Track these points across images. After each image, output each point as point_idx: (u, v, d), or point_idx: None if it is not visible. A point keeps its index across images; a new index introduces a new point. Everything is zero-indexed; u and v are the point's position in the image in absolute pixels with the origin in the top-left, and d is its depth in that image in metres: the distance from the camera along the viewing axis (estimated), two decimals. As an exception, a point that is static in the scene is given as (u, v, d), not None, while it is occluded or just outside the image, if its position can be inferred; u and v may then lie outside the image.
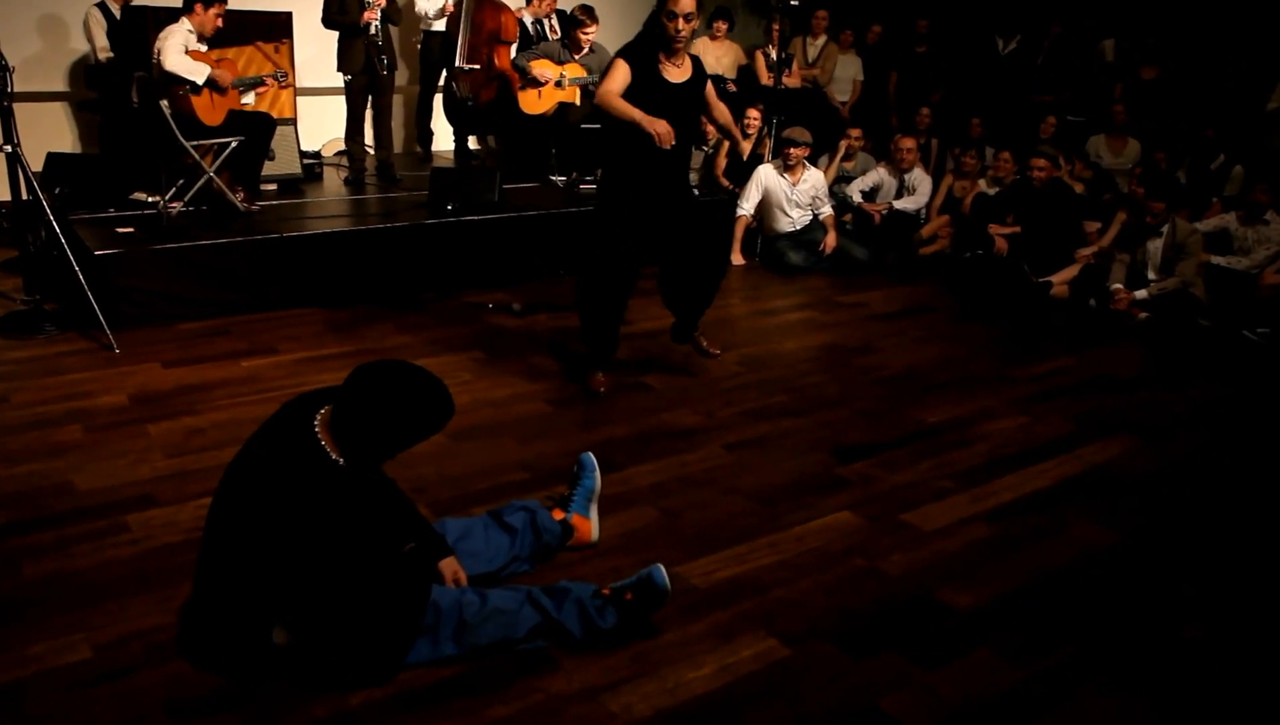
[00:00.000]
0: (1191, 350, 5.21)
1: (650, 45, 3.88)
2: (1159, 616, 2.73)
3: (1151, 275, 5.72)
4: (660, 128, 3.65)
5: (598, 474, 2.97)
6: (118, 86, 6.31)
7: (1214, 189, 7.09)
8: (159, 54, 5.24)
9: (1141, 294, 5.65)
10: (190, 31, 5.33)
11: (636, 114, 3.70)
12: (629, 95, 3.78)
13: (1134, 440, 3.93)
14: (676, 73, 3.92)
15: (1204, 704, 2.38)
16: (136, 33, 6.19)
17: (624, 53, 3.88)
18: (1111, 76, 8.31)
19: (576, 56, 6.68)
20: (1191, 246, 5.63)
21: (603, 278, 4.04)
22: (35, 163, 5.01)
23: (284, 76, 6.02)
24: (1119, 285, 5.72)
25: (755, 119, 7.16)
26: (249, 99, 5.80)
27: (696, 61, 4.04)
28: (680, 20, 3.75)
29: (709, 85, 4.07)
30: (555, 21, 7.18)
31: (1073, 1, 9.03)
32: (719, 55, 8.10)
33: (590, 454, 3.02)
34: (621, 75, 3.79)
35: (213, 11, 5.34)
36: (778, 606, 2.67)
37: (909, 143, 7.03)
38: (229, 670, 2.25)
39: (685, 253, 4.16)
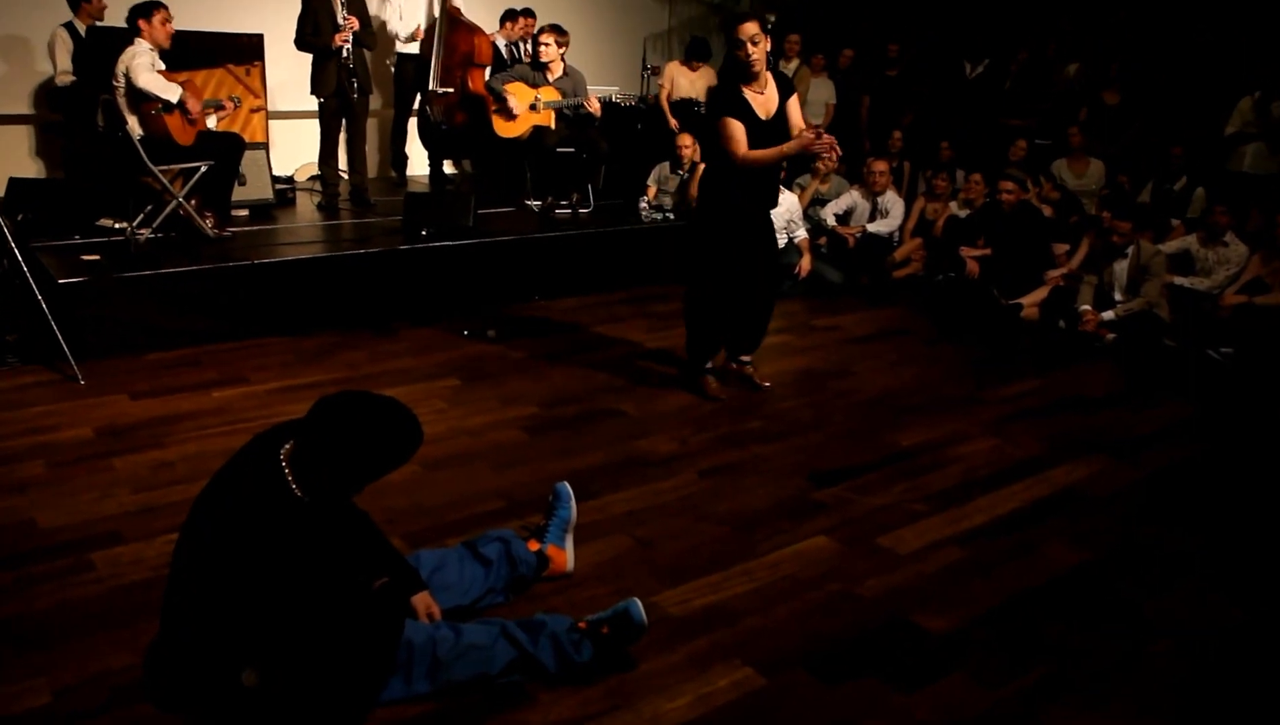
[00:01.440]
0: (1158, 370, 5.30)
1: (734, 80, 4.09)
2: (1129, 634, 2.76)
3: (1118, 296, 5.81)
4: (810, 145, 3.90)
5: (573, 504, 2.96)
6: (83, 109, 6.25)
7: (1176, 211, 7.22)
8: (128, 73, 5.18)
9: (1109, 315, 5.74)
10: (151, 49, 5.28)
11: (784, 149, 3.99)
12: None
13: (1103, 459, 3.98)
14: (762, 101, 4.09)
15: (1175, 720, 2.40)
16: (102, 54, 6.11)
17: (723, 106, 4.05)
18: (1076, 100, 8.47)
19: (551, 79, 6.70)
20: (1155, 268, 5.74)
21: (715, 295, 4.34)
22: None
23: (239, 101, 5.97)
24: (1087, 307, 5.81)
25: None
26: (210, 121, 5.76)
27: (779, 79, 4.19)
28: (749, 45, 3.95)
29: (792, 101, 4.20)
30: (530, 46, 7.20)
31: (1038, 27, 9.23)
32: (693, 80, 8.16)
33: (565, 484, 3.01)
34: (738, 128, 3.99)
35: (157, 19, 5.27)
36: (753, 635, 2.67)
37: (881, 166, 7.10)
38: (196, 712, 2.21)
39: (763, 277, 4.41)
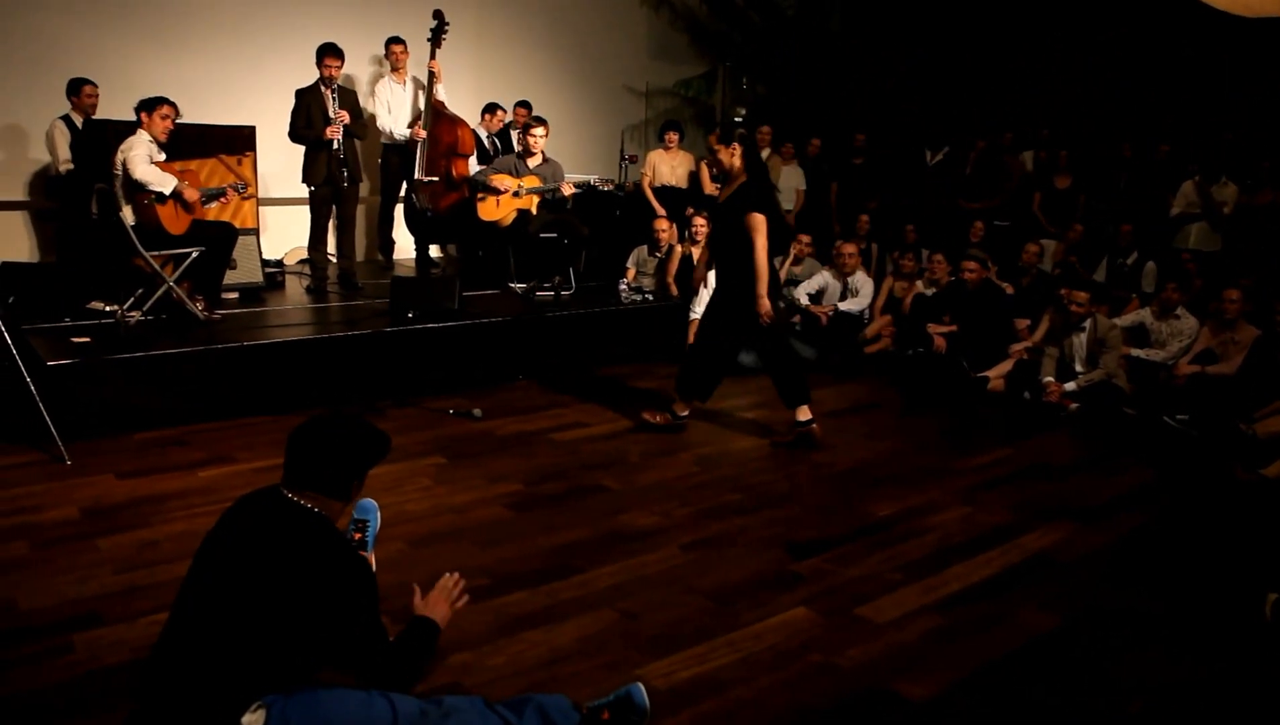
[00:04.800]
0: (1119, 437, 5.37)
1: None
2: (1104, 695, 2.73)
3: (1079, 368, 5.91)
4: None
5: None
6: (77, 197, 6.28)
7: (1129, 285, 7.40)
8: (126, 164, 5.23)
9: (1071, 386, 5.82)
10: (150, 141, 5.34)
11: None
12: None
13: (1071, 524, 3.99)
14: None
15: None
16: (97, 145, 6.19)
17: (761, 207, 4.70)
18: (1030, 185, 8.74)
19: (531, 167, 6.82)
20: (1112, 340, 5.86)
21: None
22: (-11, 272, 4.92)
23: (244, 188, 6.06)
24: (1050, 378, 5.89)
25: (701, 226, 7.31)
26: (210, 205, 5.80)
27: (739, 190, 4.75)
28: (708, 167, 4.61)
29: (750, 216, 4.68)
30: (520, 132, 7.29)
31: (993, 118, 9.56)
32: (674, 165, 8.33)
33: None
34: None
35: (158, 115, 5.35)
36: (737, 706, 2.61)
37: (850, 248, 7.24)
38: None
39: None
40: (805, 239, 7.65)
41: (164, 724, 2.13)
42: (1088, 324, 5.88)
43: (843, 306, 7.15)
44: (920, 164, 9.27)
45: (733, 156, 4.71)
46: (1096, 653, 2.96)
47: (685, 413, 5.09)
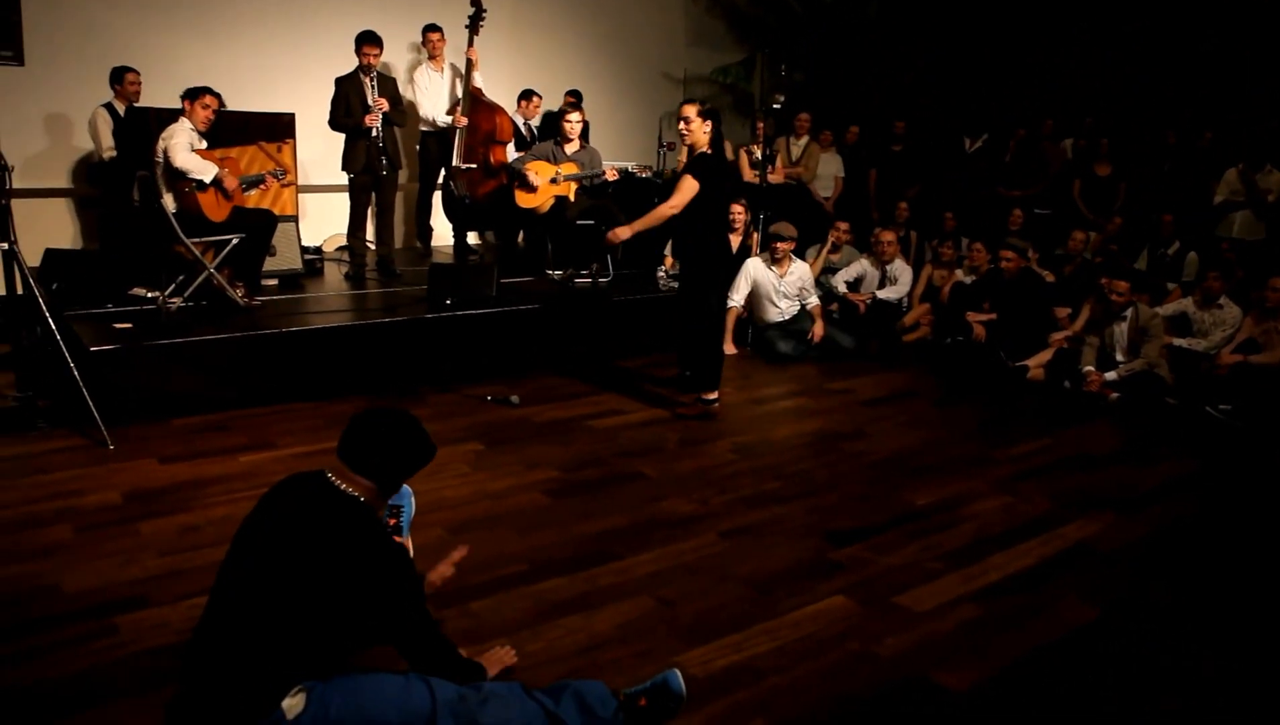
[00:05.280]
0: (1160, 428, 5.25)
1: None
2: (1143, 690, 2.66)
3: (1119, 357, 5.79)
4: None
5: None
6: (119, 184, 6.34)
7: (1171, 275, 7.24)
8: (167, 151, 5.27)
9: (1111, 375, 5.71)
10: (191, 130, 5.38)
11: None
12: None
13: (1111, 515, 3.91)
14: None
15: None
16: (139, 132, 6.24)
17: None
18: (1071, 173, 8.57)
19: (569, 154, 6.79)
20: (1154, 330, 5.74)
21: (717, 321, 5.18)
22: (33, 258, 4.97)
23: (283, 174, 6.08)
24: (1090, 367, 5.78)
25: (740, 213, 7.25)
26: (250, 192, 5.84)
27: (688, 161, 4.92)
28: (680, 123, 4.86)
29: (682, 177, 4.86)
30: (574, 116, 7.20)
31: (1033, 105, 9.39)
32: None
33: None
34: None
35: (200, 104, 5.38)
36: (774, 694, 2.58)
37: (889, 236, 7.14)
38: None
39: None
40: (843, 226, 7.56)
41: (207, 706, 2.14)
42: (1129, 313, 5.77)
43: (881, 294, 7.06)
44: (959, 151, 9.13)
45: (704, 128, 4.83)
46: (1136, 646, 2.90)
47: (712, 397, 5.09)
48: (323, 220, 7.88)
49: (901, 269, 7.14)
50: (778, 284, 6.57)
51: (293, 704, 2.10)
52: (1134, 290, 5.82)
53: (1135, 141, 8.69)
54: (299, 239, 6.78)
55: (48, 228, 6.92)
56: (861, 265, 7.20)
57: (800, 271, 6.66)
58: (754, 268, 6.60)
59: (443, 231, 8.10)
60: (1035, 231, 7.72)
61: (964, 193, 8.66)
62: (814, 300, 6.67)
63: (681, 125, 4.80)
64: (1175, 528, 3.83)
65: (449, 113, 7.37)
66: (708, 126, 4.81)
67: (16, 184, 4.31)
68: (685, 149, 5.08)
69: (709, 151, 4.85)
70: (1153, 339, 5.71)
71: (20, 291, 4.37)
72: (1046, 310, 6.58)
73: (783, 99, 7.59)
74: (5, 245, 4.25)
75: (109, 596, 2.97)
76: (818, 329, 6.53)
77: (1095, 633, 2.97)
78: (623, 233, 4.98)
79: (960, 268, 7.15)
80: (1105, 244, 7.63)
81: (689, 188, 4.74)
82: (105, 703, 2.43)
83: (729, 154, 8.46)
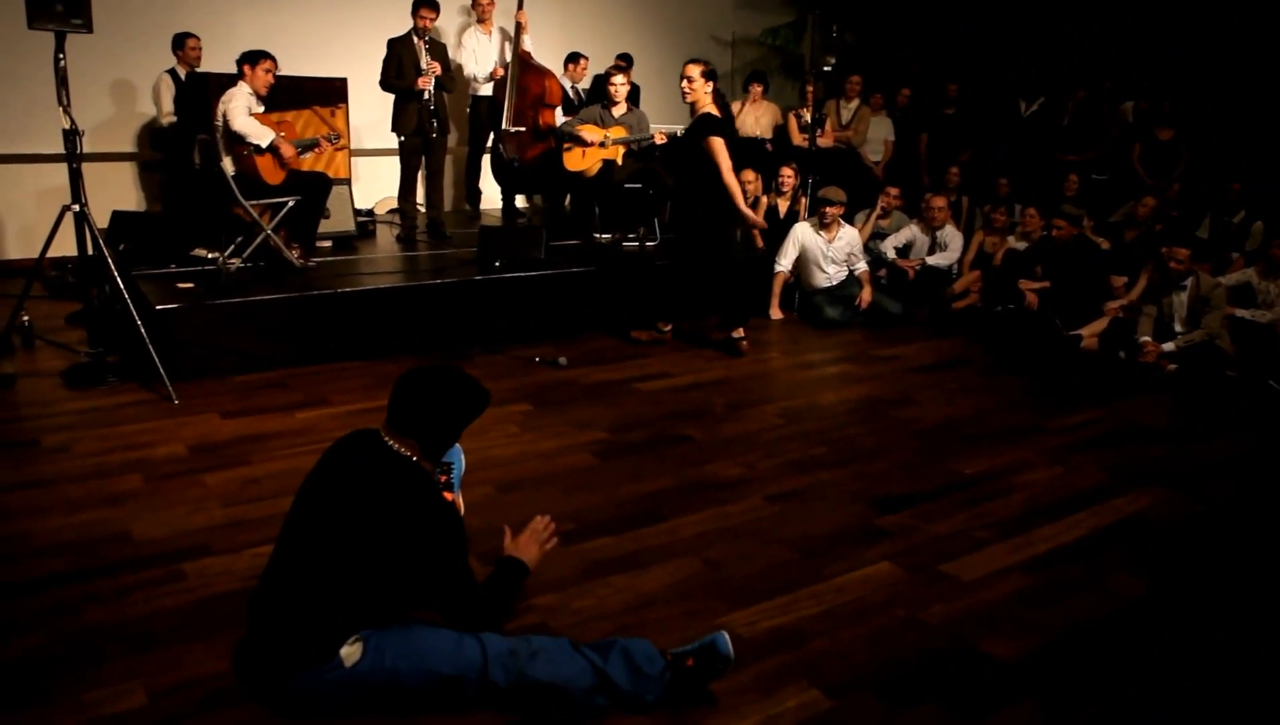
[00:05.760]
0: (1219, 401, 5.11)
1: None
2: (1191, 670, 2.62)
3: (1178, 328, 5.64)
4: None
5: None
6: (181, 148, 6.46)
7: (1235, 245, 7.01)
8: (226, 115, 5.35)
9: (1169, 346, 5.56)
10: (250, 94, 5.44)
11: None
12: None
13: (1165, 490, 3.82)
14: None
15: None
16: (199, 97, 6.35)
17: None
18: (1131, 137, 8.31)
19: (617, 117, 6.76)
20: (1215, 300, 5.56)
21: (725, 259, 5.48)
22: (101, 220, 5.11)
23: (337, 139, 6.14)
24: (1147, 338, 5.64)
25: (789, 177, 7.18)
26: (305, 156, 5.91)
27: (697, 120, 5.14)
28: (683, 82, 5.08)
29: (710, 140, 5.07)
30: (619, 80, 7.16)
31: (1092, 66, 9.09)
32: (757, 116, 8.18)
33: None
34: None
35: (261, 68, 5.44)
36: (820, 657, 2.59)
37: (940, 201, 7.02)
38: (292, 698, 2.20)
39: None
40: (893, 191, 7.44)
41: (270, 651, 2.22)
42: (1189, 282, 5.60)
43: (930, 261, 6.95)
44: (1014, 115, 8.89)
45: (706, 89, 5.02)
46: (1186, 624, 2.84)
47: (740, 335, 5.50)
48: (374, 183, 7.95)
49: (952, 235, 7.02)
50: (826, 249, 6.50)
51: (350, 652, 2.17)
52: (1195, 259, 5.64)
53: (1201, 105, 8.38)
54: (352, 202, 6.86)
55: (115, 191, 7.10)
56: (911, 231, 7.10)
57: (849, 237, 6.59)
58: (802, 232, 6.54)
59: (491, 194, 8.13)
60: (1092, 197, 7.52)
61: (1018, 157, 8.45)
62: (862, 266, 6.60)
63: (685, 84, 5.05)
64: (1232, 505, 3.74)
65: (489, 77, 7.36)
66: (709, 87, 4.99)
67: (85, 149, 4.42)
68: (689, 107, 5.23)
69: (716, 112, 5.06)
70: (1214, 309, 5.53)
71: (90, 252, 4.49)
72: (1102, 278, 6.43)
73: (833, 61, 7.47)
74: (76, 207, 4.37)
75: (177, 544, 3.08)
76: (865, 295, 6.47)
77: (1145, 609, 2.92)
78: (750, 215, 5.38)
79: (1012, 234, 7.01)
80: (1165, 210, 7.41)
81: (724, 146, 5.01)
82: (175, 644, 2.53)
83: (778, 117, 8.38)
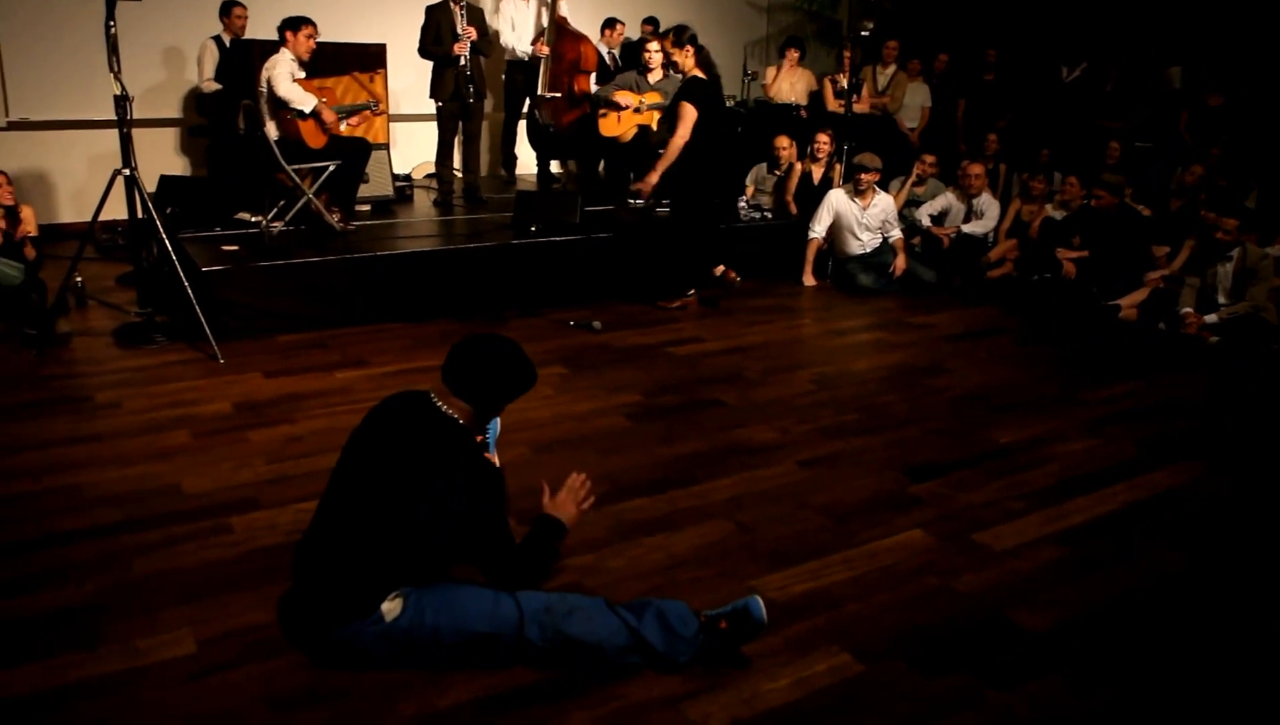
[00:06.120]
0: (1264, 375, 4.95)
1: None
2: (1231, 643, 2.57)
3: (1222, 299, 5.47)
4: None
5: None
6: (225, 113, 6.49)
7: (1287, 216, 6.78)
8: (270, 81, 5.36)
9: (1212, 318, 5.40)
10: (293, 60, 5.44)
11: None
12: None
13: (1204, 464, 3.73)
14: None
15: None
16: (243, 63, 6.36)
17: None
18: (1178, 103, 8.04)
19: (652, 83, 6.68)
20: (1262, 271, 5.38)
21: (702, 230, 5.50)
22: (149, 184, 5.17)
23: (378, 105, 6.13)
24: (1189, 309, 5.49)
25: (825, 143, 7.06)
26: (344, 127, 5.91)
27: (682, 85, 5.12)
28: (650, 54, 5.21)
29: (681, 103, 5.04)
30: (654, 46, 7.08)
31: (1137, 30, 8.79)
32: (792, 82, 8.04)
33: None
34: None
35: (303, 34, 5.43)
36: (851, 622, 2.58)
37: (977, 169, 6.87)
38: (333, 649, 2.24)
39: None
40: (930, 159, 7.29)
41: (314, 603, 2.26)
42: (1235, 253, 5.40)
43: (966, 229, 6.82)
44: (1056, 80, 8.65)
45: (686, 57, 4.93)
46: (1223, 600, 2.78)
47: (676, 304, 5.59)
48: (412, 149, 7.95)
49: (988, 203, 6.88)
50: (860, 216, 6.41)
51: (391, 607, 2.19)
52: (1242, 229, 5.44)
53: (1251, 70, 8.06)
54: (390, 166, 6.86)
55: (162, 156, 7.17)
56: (947, 198, 6.96)
57: (884, 204, 6.48)
58: (836, 199, 6.44)
59: (527, 160, 8.09)
60: (1134, 165, 7.32)
61: (1059, 125, 8.23)
62: (897, 233, 6.50)
63: (655, 55, 5.10)
64: (1272, 482, 3.63)
65: (533, 43, 7.29)
66: (690, 52, 4.90)
67: (134, 115, 4.46)
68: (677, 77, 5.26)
69: (701, 75, 4.94)
70: (1260, 281, 5.33)
71: (140, 215, 4.55)
72: (1143, 248, 6.25)
73: (871, 26, 7.29)
74: (127, 171, 4.41)
75: (223, 498, 3.13)
76: (899, 262, 6.37)
77: (1184, 583, 2.86)
78: (651, 180, 5.17)
79: (1050, 203, 6.85)
80: (1212, 179, 7.17)
81: (690, 115, 4.90)
82: (223, 594, 2.58)
83: (813, 84, 8.23)
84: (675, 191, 5.40)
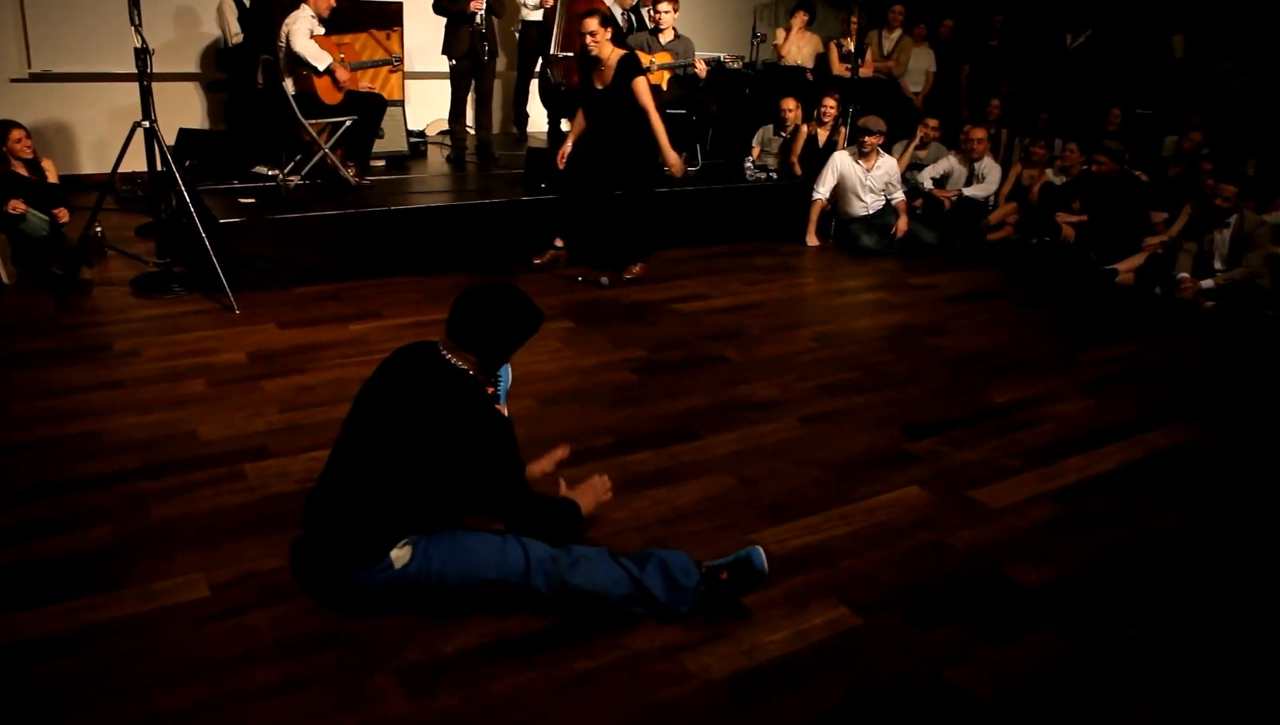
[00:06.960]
0: (1257, 340, 4.86)
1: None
2: (1225, 600, 2.53)
3: (1218, 265, 5.36)
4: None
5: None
6: (244, 69, 6.34)
7: (1281, 182, 6.61)
8: (288, 37, 5.22)
9: (1208, 283, 5.30)
10: (312, 16, 5.29)
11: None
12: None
13: (1198, 426, 3.66)
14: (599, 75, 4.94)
15: (1271, 687, 2.18)
16: (263, 19, 6.19)
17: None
18: (1181, 70, 7.83)
19: (663, 43, 6.50)
20: (1259, 238, 5.26)
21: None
22: (168, 137, 5.07)
23: (398, 61, 6.00)
24: (1185, 274, 5.38)
25: (831, 107, 6.90)
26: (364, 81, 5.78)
27: (619, 65, 4.86)
28: (586, 37, 4.76)
29: (635, 82, 4.85)
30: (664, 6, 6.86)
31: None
32: (800, 45, 7.83)
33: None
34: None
35: None
36: (849, 576, 2.53)
37: (979, 133, 6.72)
38: (344, 595, 2.20)
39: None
40: (933, 123, 7.12)
41: (324, 550, 2.21)
42: (1233, 219, 5.29)
43: (967, 192, 6.69)
44: (1060, 47, 8.42)
45: (608, 35, 4.85)
46: (1218, 557, 2.74)
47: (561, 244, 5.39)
48: (425, 106, 7.79)
49: (990, 167, 6.73)
50: (864, 178, 6.27)
51: (400, 554, 2.15)
52: (1241, 196, 5.32)
53: (1256, 35, 7.82)
54: (405, 123, 6.73)
55: (181, 109, 7.03)
56: (949, 162, 6.81)
57: (887, 166, 6.34)
58: (841, 161, 6.30)
59: (538, 118, 7.93)
60: (1135, 132, 7.14)
61: (1062, 91, 8.03)
62: (899, 195, 6.37)
63: (589, 39, 4.77)
64: (1266, 443, 3.57)
65: (539, 4, 7.11)
66: (609, 33, 4.87)
67: (154, 68, 4.34)
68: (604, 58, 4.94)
69: (623, 53, 4.93)
70: (1257, 248, 5.22)
71: (159, 167, 4.45)
72: (1141, 213, 6.12)
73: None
74: (147, 124, 4.31)
75: (237, 446, 3.08)
76: (901, 224, 6.25)
77: (1177, 541, 2.81)
78: (672, 158, 5.03)
79: (1051, 168, 6.70)
80: (1212, 145, 6.98)
81: (646, 86, 4.89)
82: (237, 539, 2.54)
83: (819, 47, 8.03)
84: (638, 161, 5.20)
